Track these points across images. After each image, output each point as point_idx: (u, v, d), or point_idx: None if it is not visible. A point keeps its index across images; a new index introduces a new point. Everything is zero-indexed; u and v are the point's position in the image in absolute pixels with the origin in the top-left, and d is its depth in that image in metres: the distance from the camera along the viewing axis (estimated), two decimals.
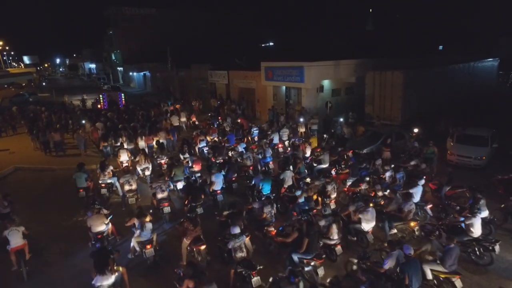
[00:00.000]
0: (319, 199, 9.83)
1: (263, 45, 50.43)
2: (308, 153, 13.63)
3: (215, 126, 18.45)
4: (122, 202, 11.12)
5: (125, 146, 14.97)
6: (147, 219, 8.22)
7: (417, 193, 9.28)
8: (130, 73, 56.45)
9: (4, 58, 79.09)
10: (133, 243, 8.22)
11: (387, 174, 10.79)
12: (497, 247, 7.47)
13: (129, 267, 7.75)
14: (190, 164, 12.61)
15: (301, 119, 18.15)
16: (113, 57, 62.11)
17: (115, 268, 6.88)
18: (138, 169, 12.90)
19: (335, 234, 7.79)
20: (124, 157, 13.61)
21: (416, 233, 8.59)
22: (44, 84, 64.87)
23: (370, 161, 11.70)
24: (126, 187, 10.83)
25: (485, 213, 8.50)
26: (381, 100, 19.70)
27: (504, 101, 25.41)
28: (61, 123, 21.17)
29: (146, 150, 14.90)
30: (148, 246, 7.95)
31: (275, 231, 8.29)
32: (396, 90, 18.89)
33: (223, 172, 11.53)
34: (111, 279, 6.69)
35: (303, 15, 53.86)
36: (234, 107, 24.01)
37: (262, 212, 8.61)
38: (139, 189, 11.29)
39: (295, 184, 10.60)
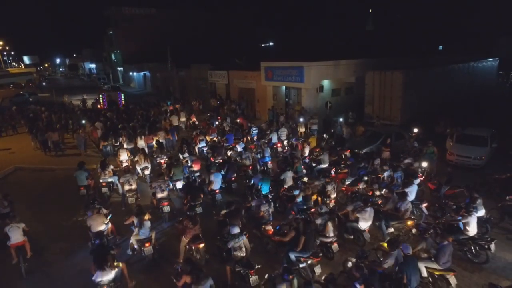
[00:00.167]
0: (319, 199, 9.85)
1: (263, 45, 50.47)
2: (306, 153, 13.65)
3: (214, 126, 18.49)
4: (122, 202, 11.15)
5: (125, 145, 15.05)
6: (146, 217, 8.27)
7: (412, 192, 9.38)
8: (130, 73, 56.48)
9: (4, 58, 79.11)
10: (132, 241, 8.27)
11: (386, 173, 10.83)
12: (492, 246, 7.57)
13: (129, 263, 7.79)
14: (189, 164, 12.66)
15: (301, 119, 18.17)
16: (113, 57, 62.14)
17: (115, 264, 6.94)
18: (138, 168, 12.96)
19: (331, 232, 7.93)
20: (123, 157, 13.71)
21: (413, 232, 8.67)
22: (44, 84, 64.87)
23: (369, 161, 11.73)
24: (126, 187, 10.87)
25: (481, 212, 8.59)
26: (381, 100, 19.72)
27: (504, 101, 25.43)
28: (61, 123, 21.19)
29: (146, 149, 14.94)
30: (147, 244, 8.02)
31: (272, 230, 8.37)
32: (396, 90, 18.91)
33: (222, 172, 11.59)
34: (111, 274, 6.77)
35: (303, 15, 53.87)
36: (234, 107, 24.04)
37: (259, 210, 8.69)
38: (139, 188, 11.33)
39: (293, 184, 10.62)
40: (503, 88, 32.47)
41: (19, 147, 18.87)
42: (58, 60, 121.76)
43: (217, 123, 19.70)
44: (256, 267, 6.90)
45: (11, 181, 14.35)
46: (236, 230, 7.35)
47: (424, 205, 9.42)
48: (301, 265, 7.25)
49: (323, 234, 7.95)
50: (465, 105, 23.17)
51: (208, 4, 62.04)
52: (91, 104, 30.31)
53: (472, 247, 7.77)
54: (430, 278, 6.93)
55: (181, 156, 13.62)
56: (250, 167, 12.76)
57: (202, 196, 10.25)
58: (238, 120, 20.11)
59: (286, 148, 15.14)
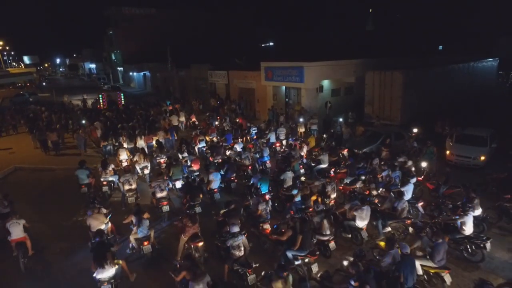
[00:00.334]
0: (319, 199, 9.88)
1: (263, 45, 50.50)
2: (303, 152, 13.67)
3: (214, 126, 18.52)
4: (122, 202, 11.16)
5: (125, 145, 15.10)
6: (145, 215, 8.31)
7: (408, 191, 9.46)
8: (130, 73, 56.48)
9: (4, 58, 79.05)
10: (131, 240, 8.31)
11: (384, 173, 10.86)
12: (488, 245, 7.64)
13: (128, 262, 7.80)
14: (188, 164, 12.68)
15: (301, 119, 18.18)
16: (113, 57, 62.14)
17: (114, 261, 6.98)
18: (137, 168, 12.99)
19: (327, 230, 7.99)
20: (123, 156, 13.80)
21: (410, 231, 8.74)
22: (44, 84, 64.90)
23: (367, 161, 11.75)
24: (126, 186, 10.90)
25: (478, 212, 8.65)
26: (381, 100, 19.72)
27: (504, 101, 25.43)
28: (61, 123, 21.22)
29: (146, 149, 14.98)
30: (146, 243, 8.07)
31: (270, 229, 8.44)
32: (396, 90, 18.91)
33: (221, 172, 11.64)
34: (111, 272, 6.82)
35: (303, 15, 53.91)
36: (234, 107, 24.06)
37: (257, 208, 8.75)
38: (138, 188, 11.35)
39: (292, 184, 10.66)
40: (503, 88, 32.45)
41: (19, 147, 18.88)
42: (58, 60, 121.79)
43: (216, 123, 19.73)
44: (254, 266, 6.97)
45: (11, 181, 14.36)
46: (236, 229, 7.41)
47: (420, 204, 9.52)
48: (296, 262, 7.33)
49: (320, 232, 8.02)
50: (465, 105, 23.17)
51: (208, 4, 62.10)
52: (91, 104, 30.35)
53: (468, 246, 7.86)
54: (425, 276, 7.05)
55: (180, 156, 13.65)
56: (250, 167, 12.78)
57: (201, 195, 10.29)
58: (237, 120, 20.12)
59: (283, 148, 15.19)
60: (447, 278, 6.80)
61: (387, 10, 46.15)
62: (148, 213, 8.61)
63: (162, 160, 13.61)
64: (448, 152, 13.85)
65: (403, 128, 16.29)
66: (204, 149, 15.23)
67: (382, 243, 7.45)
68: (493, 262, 7.90)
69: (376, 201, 9.57)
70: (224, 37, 48.53)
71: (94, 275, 6.80)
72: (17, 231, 8.20)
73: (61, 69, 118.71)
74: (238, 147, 14.28)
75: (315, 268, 7.34)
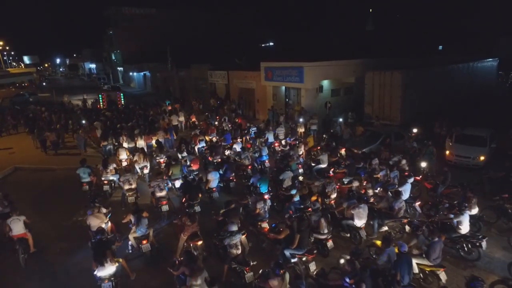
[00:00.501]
0: (319, 199, 9.90)
1: (263, 45, 50.53)
2: (300, 152, 13.71)
3: (213, 125, 18.54)
4: (122, 201, 11.18)
5: (125, 145, 15.13)
6: (144, 214, 8.36)
7: (406, 190, 9.51)
8: (130, 73, 56.49)
9: (4, 58, 79.12)
10: (130, 239, 8.35)
11: (381, 173, 10.89)
12: (484, 243, 7.71)
13: (127, 260, 7.83)
14: (188, 163, 12.70)
15: (301, 119, 18.18)
16: (113, 57, 62.16)
17: (115, 259, 7.03)
18: (137, 167, 13.02)
19: (325, 228, 8.04)
20: (123, 156, 13.88)
21: (406, 229, 8.80)
22: (44, 84, 64.92)
23: (366, 161, 11.77)
24: (126, 186, 10.93)
25: (474, 211, 8.71)
26: (381, 100, 19.73)
27: (504, 101, 25.43)
28: (61, 123, 21.23)
29: (145, 149, 15.00)
30: (144, 242, 8.12)
31: (268, 227, 8.49)
32: (395, 90, 18.92)
33: (220, 171, 11.67)
34: (111, 269, 6.87)
35: (303, 15, 53.95)
36: (234, 107, 24.08)
37: (255, 207, 8.80)
38: (138, 188, 11.37)
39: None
40: (503, 88, 32.46)
41: (20, 147, 18.90)
42: (58, 60, 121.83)
43: (216, 123, 19.75)
44: (251, 264, 7.04)
45: (11, 181, 14.37)
46: (234, 227, 7.47)
47: (418, 203, 9.59)
48: (292, 260, 7.39)
49: (318, 231, 8.08)
50: (465, 105, 23.17)
51: (208, 4, 62.17)
52: (91, 104, 30.38)
53: (465, 245, 7.94)
54: (421, 274, 7.15)
55: (179, 156, 13.67)
56: (249, 167, 12.80)
57: (200, 195, 10.32)
58: (236, 120, 20.14)
59: (281, 147, 15.25)
60: (442, 276, 6.92)
61: (387, 10, 46.19)
62: (147, 212, 8.66)
63: (161, 160, 13.63)
64: (447, 152, 13.85)
65: (403, 128, 16.29)
66: (203, 149, 15.26)
67: (379, 242, 7.50)
68: (488, 260, 7.97)
69: (372, 200, 9.63)
70: (224, 37, 48.56)
71: (95, 272, 6.86)
72: (18, 227, 8.43)
73: (61, 69, 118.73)
74: (237, 147, 14.30)
75: (312, 266, 7.41)
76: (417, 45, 36.94)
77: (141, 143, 15.59)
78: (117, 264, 7.02)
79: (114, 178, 12.01)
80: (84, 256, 8.24)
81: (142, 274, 7.88)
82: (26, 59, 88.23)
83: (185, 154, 13.57)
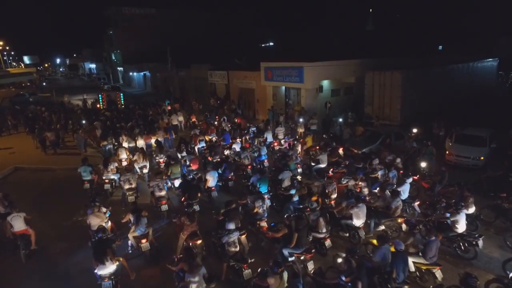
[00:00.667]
0: (320, 200, 9.91)
1: (263, 45, 50.53)
2: (298, 151, 13.70)
3: (212, 125, 18.56)
4: (122, 200, 11.20)
5: (125, 145, 15.15)
6: (143, 213, 8.38)
7: (404, 190, 9.56)
8: (130, 73, 56.51)
9: (4, 58, 79.05)
10: (130, 238, 8.37)
11: (380, 172, 10.89)
12: (480, 242, 7.75)
13: (127, 260, 7.83)
14: (187, 163, 12.71)
15: (301, 120, 18.19)
16: (113, 57, 62.18)
17: (115, 258, 7.05)
18: (136, 167, 13.04)
19: (323, 228, 8.08)
20: (123, 155, 13.94)
21: (403, 228, 8.84)
22: (44, 84, 64.91)
23: (366, 161, 11.77)
24: (126, 186, 10.95)
25: (471, 210, 8.74)
26: (381, 100, 19.74)
27: (504, 101, 25.42)
28: (61, 123, 21.24)
29: (145, 148, 15.01)
30: (144, 240, 8.14)
31: (267, 226, 8.53)
32: (395, 90, 18.93)
33: (219, 171, 11.70)
34: (111, 268, 6.90)
35: (303, 15, 53.96)
36: (234, 107, 24.09)
37: (253, 206, 8.83)
38: (139, 187, 11.39)
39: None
40: (503, 88, 32.47)
41: (20, 147, 18.90)
42: (58, 60, 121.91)
43: (216, 123, 19.75)
44: (249, 261, 7.08)
45: (11, 181, 14.37)
46: (232, 226, 7.51)
47: (417, 203, 9.63)
48: (291, 259, 7.42)
49: (316, 230, 8.11)
50: (465, 105, 23.17)
51: (208, 4, 62.25)
52: (91, 104, 30.40)
53: (461, 244, 7.98)
54: (417, 273, 7.21)
55: (179, 155, 13.68)
56: (249, 167, 12.81)
57: (199, 194, 10.34)
58: (236, 120, 20.16)
59: (279, 147, 15.26)
60: (438, 274, 6.97)
61: (387, 10, 46.18)
62: (146, 212, 8.67)
63: (161, 160, 13.64)
64: (447, 152, 13.85)
65: (403, 128, 16.30)
66: (203, 149, 15.28)
67: (374, 240, 7.53)
68: (487, 260, 8.02)
69: (368, 198, 9.66)
70: (224, 37, 48.56)
71: (95, 271, 6.88)
72: (19, 223, 8.58)
73: (61, 69, 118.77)
74: (237, 147, 14.31)
75: (310, 265, 7.44)
76: (417, 45, 36.91)
77: (141, 142, 15.62)
78: (117, 263, 7.05)
79: (115, 177, 12.07)
80: (84, 256, 8.25)
81: (142, 273, 7.90)
82: (26, 59, 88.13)
83: (184, 153, 13.60)
